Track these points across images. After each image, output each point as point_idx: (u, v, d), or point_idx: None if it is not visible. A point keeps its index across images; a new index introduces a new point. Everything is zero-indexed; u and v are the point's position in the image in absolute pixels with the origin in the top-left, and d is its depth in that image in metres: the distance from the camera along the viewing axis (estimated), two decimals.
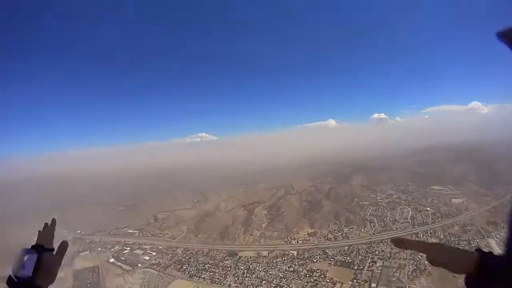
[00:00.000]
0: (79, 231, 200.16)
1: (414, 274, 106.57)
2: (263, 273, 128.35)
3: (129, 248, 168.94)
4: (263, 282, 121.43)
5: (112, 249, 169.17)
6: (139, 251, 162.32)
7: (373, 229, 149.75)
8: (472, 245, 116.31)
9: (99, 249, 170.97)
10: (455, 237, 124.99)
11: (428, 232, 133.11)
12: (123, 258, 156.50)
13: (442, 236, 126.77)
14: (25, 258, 5.11)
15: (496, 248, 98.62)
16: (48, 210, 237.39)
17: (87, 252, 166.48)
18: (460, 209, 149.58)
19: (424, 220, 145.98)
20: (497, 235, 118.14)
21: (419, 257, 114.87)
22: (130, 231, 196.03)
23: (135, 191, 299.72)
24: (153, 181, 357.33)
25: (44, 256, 5.08)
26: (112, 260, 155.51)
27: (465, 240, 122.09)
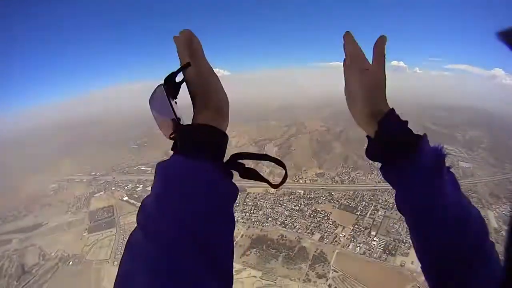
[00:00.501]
0: (93, 173, 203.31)
1: None
2: (269, 210, 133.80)
3: (142, 185, 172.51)
4: (269, 219, 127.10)
5: (126, 188, 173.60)
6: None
7: (380, 177, 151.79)
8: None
9: (113, 188, 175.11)
10: None
11: None
12: (137, 196, 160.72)
13: None
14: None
15: (493, 222, 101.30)
16: (60, 156, 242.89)
17: (101, 193, 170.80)
18: (466, 173, 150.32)
19: None
20: (497, 209, 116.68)
21: None
22: (143, 168, 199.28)
23: (147, 129, 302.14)
24: None
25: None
26: (126, 198, 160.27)
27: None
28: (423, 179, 2.74)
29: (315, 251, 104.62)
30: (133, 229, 2.00)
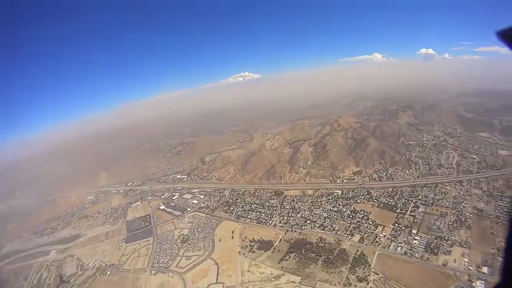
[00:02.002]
0: (130, 183, 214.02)
1: (454, 225, 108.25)
2: (307, 212, 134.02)
3: (178, 193, 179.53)
4: (307, 222, 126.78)
5: (162, 196, 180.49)
6: (187, 196, 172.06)
7: (418, 171, 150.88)
8: None
9: (150, 197, 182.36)
10: (499, 192, 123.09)
11: (472, 182, 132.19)
12: (173, 204, 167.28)
13: (485, 189, 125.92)
14: None
15: None
16: (96, 168, 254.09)
17: (138, 203, 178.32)
18: (506, 161, 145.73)
19: (469, 168, 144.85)
20: None
21: (461, 207, 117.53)
22: (178, 176, 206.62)
23: (181, 137, 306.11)
24: (197, 125, 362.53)
25: None
26: (162, 207, 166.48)
27: (508, 197, 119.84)
28: None
29: (355, 253, 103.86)
30: None
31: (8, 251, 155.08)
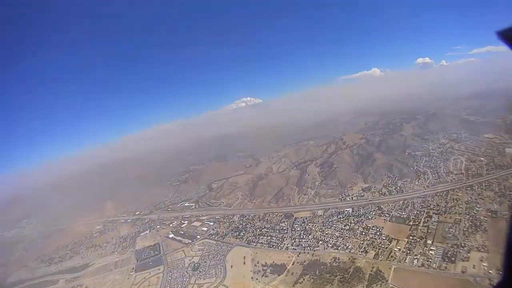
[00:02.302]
0: (138, 213, 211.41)
1: (469, 230, 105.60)
2: (319, 233, 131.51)
3: (186, 221, 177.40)
4: (320, 242, 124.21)
5: (171, 225, 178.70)
6: (196, 223, 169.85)
7: (427, 181, 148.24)
8: None
9: (158, 226, 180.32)
10: (510, 191, 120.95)
11: (483, 184, 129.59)
12: (182, 232, 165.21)
13: (497, 189, 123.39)
14: None
15: None
16: (104, 198, 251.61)
17: (147, 232, 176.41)
18: None
19: (479, 171, 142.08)
20: None
21: (475, 212, 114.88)
22: (186, 204, 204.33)
23: (186, 165, 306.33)
24: (202, 152, 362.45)
25: None
26: (171, 235, 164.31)
27: None
28: None
29: (371, 270, 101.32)
30: None
31: (16, 280, 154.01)
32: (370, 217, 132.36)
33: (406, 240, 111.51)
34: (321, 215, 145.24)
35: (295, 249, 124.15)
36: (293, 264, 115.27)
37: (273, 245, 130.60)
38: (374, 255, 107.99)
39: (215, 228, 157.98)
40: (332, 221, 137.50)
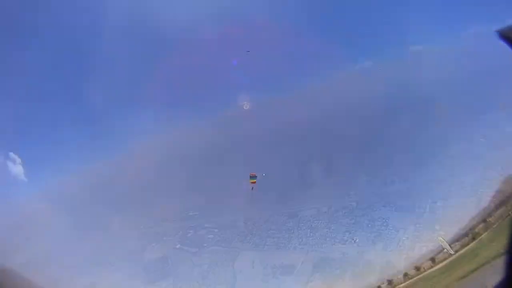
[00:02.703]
0: (142, 226, 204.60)
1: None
2: (326, 229, 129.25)
3: (192, 230, 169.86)
4: (327, 239, 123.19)
5: (177, 235, 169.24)
6: (202, 232, 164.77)
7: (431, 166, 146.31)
8: None
9: (165, 238, 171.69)
10: None
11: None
12: (189, 242, 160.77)
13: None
14: None
15: None
16: (107, 214, 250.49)
17: (153, 244, 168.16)
18: None
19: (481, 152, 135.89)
20: None
21: (480, 193, 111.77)
22: (190, 213, 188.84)
23: (187, 174, 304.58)
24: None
25: None
26: (178, 246, 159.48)
27: None
28: None
29: (380, 262, 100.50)
30: None
31: None
32: (375, 209, 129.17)
33: (414, 227, 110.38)
34: (326, 212, 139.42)
35: (303, 248, 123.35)
36: (302, 263, 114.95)
37: (280, 246, 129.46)
38: (383, 246, 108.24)
39: (221, 234, 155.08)
40: (337, 215, 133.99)
